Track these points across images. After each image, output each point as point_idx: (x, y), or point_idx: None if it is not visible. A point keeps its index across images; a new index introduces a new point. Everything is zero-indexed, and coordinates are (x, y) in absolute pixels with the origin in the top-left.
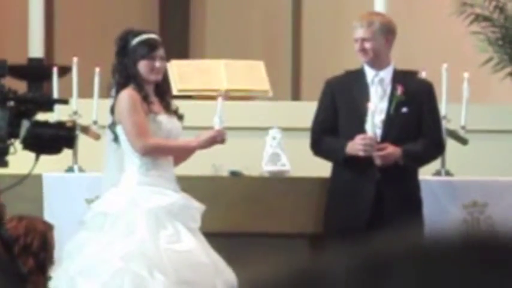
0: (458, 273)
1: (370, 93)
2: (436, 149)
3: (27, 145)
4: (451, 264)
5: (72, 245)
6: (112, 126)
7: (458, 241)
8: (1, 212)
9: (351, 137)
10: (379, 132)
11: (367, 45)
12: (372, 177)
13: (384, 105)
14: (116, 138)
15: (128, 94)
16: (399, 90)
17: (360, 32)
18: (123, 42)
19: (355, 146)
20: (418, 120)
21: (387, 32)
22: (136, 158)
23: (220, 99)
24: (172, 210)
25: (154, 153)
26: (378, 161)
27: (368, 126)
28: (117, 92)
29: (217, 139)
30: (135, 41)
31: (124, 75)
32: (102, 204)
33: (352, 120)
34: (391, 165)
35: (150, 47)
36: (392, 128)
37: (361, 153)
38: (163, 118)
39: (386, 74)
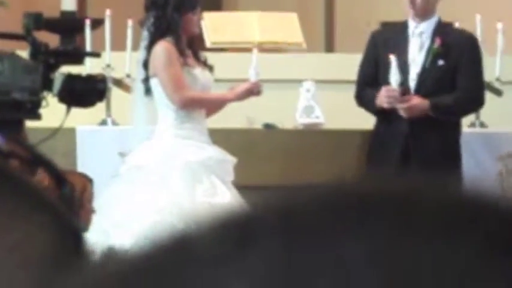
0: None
1: (409, 45)
2: (470, 102)
3: (62, 98)
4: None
5: (107, 198)
6: (145, 80)
7: (332, 200)
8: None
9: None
10: (413, 84)
11: None
12: (400, 130)
13: (421, 57)
14: (148, 92)
15: (165, 47)
16: (437, 42)
17: None
18: None
19: (380, 98)
20: (454, 74)
21: None
22: (171, 111)
23: (255, 52)
24: (208, 164)
25: (192, 106)
26: (403, 113)
27: (392, 79)
28: (151, 44)
29: (253, 91)
30: None
31: (164, 27)
32: (138, 158)
33: (387, 72)
34: (422, 118)
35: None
36: (427, 81)
37: (385, 105)
38: (198, 71)
39: (428, 26)
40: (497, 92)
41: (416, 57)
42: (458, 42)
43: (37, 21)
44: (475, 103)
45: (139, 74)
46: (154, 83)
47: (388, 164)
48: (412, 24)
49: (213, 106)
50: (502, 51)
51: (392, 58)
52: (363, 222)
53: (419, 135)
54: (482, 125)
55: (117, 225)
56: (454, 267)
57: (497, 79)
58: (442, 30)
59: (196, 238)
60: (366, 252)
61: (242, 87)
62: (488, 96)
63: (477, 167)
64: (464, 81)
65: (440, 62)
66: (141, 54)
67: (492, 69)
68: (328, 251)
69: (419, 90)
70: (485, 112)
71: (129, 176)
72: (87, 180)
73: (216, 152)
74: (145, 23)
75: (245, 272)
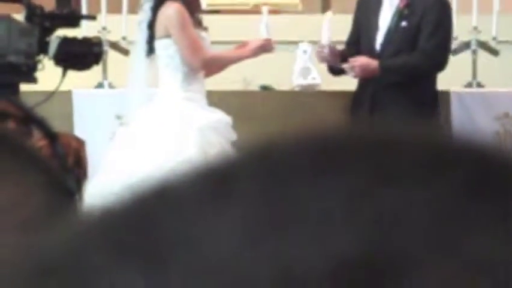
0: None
1: (382, 7)
2: (426, 62)
3: (58, 61)
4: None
5: (105, 162)
6: (149, 40)
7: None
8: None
9: (360, 51)
10: (378, 46)
11: None
12: (367, 91)
13: (388, 19)
14: (150, 52)
15: (178, 9)
16: (402, 3)
17: None
18: None
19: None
20: (417, 35)
21: None
22: (178, 73)
23: (265, 9)
24: (218, 127)
25: (212, 66)
26: (350, 73)
27: (323, 36)
28: (158, 5)
29: (266, 48)
30: None
31: None
32: (143, 121)
33: (362, 35)
34: (390, 80)
35: None
36: (390, 43)
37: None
38: (203, 33)
39: None
40: (494, 52)
41: (385, 19)
42: (425, 3)
43: None
44: (431, 65)
45: (141, 35)
46: (162, 44)
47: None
48: None
49: (231, 64)
50: (499, 10)
51: (327, 15)
52: (343, 163)
53: (385, 98)
54: (478, 84)
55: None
56: (435, 209)
57: (494, 38)
58: None
59: (175, 184)
60: (345, 192)
61: (256, 43)
62: (485, 56)
63: (473, 127)
64: (422, 42)
65: (404, 24)
66: (144, 15)
67: (489, 28)
68: (308, 191)
69: (383, 52)
70: (481, 72)
71: (132, 138)
72: (80, 143)
73: (223, 115)
74: None
75: (225, 214)
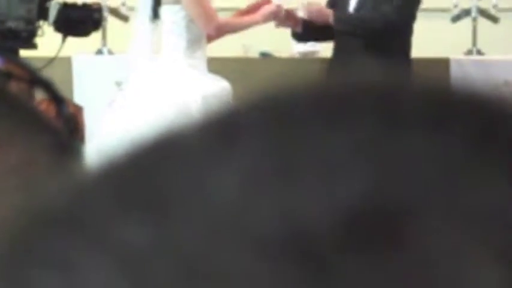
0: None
1: None
2: (378, 19)
3: (58, 27)
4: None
5: (105, 127)
6: (155, 5)
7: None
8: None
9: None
10: (352, 11)
11: None
12: (339, 57)
13: None
14: (155, 17)
15: None
16: None
17: None
18: None
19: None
20: None
21: None
22: (183, 39)
23: None
24: (221, 95)
25: (226, 32)
26: (303, 13)
27: None
28: None
29: (278, 14)
30: None
31: None
32: (148, 87)
33: (336, 4)
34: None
35: None
36: (362, 8)
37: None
38: None
39: None
40: (494, 19)
41: None
42: None
43: None
44: (382, 22)
45: (145, 0)
46: (170, 10)
47: None
48: None
49: (244, 29)
50: None
51: None
52: (349, 114)
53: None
54: (478, 52)
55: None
56: (446, 160)
57: (494, 6)
58: None
59: (178, 134)
60: (353, 143)
61: (268, 9)
62: (485, 23)
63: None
64: (383, 4)
65: None
66: None
67: None
68: (316, 141)
69: None
70: (481, 39)
71: (132, 103)
72: (77, 108)
73: (225, 82)
74: None
75: (231, 163)
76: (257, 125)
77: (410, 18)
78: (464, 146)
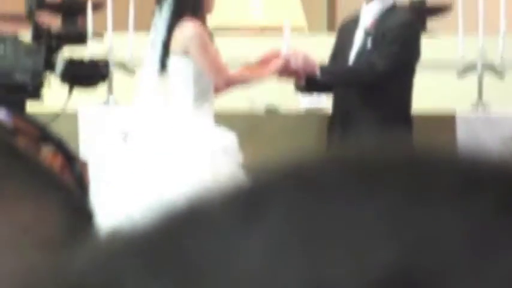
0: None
1: (358, 29)
2: (364, 68)
3: (65, 79)
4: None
5: (112, 180)
6: (163, 57)
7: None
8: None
9: None
10: None
11: None
12: (338, 112)
13: (359, 40)
14: (162, 70)
15: (197, 28)
16: (369, 24)
17: None
18: None
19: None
20: None
21: None
22: (191, 91)
23: (287, 26)
24: (228, 150)
25: (235, 84)
26: (292, 61)
27: (282, 48)
28: (174, 23)
29: (287, 70)
30: None
31: (189, 6)
32: (156, 140)
33: (338, 55)
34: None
35: None
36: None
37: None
38: None
39: (374, 8)
40: (500, 74)
41: (359, 40)
42: (390, 24)
43: (40, 2)
44: (368, 72)
45: (153, 52)
46: (178, 62)
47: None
48: (363, 7)
49: (252, 83)
50: (505, 32)
51: (285, 24)
52: (377, 183)
53: (356, 117)
54: (484, 107)
55: (124, 207)
56: (470, 229)
57: (500, 60)
58: (386, 13)
59: (205, 204)
60: (380, 211)
61: (278, 64)
62: (491, 77)
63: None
64: (372, 56)
65: (369, 44)
66: (158, 33)
67: (495, 50)
68: (342, 211)
69: None
70: (487, 94)
71: (140, 158)
72: (83, 164)
73: (233, 136)
74: (163, 1)
75: (258, 234)
76: (283, 194)
77: (403, 68)
78: (490, 216)
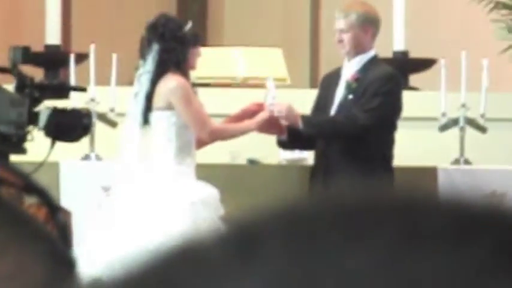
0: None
1: (339, 83)
2: (346, 121)
3: (48, 132)
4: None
5: (92, 231)
6: (145, 111)
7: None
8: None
9: None
10: None
11: (344, 36)
12: (321, 164)
13: (340, 94)
14: (145, 123)
15: (182, 82)
16: (351, 77)
17: (338, 23)
18: (163, 28)
19: None
20: None
21: (366, 22)
22: (173, 145)
23: (270, 79)
24: (208, 202)
25: (220, 137)
26: (276, 111)
27: (267, 99)
28: (157, 77)
29: (272, 124)
30: (187, 28)
31: (172, 60)
32: (137, 193)
33: (320, 108)
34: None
35: (198, 35)
36: (338, 115)
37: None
38: None
39: (356, 62)
40: (482, 129)
41: (340, 92)
42: (372, 77)
43: (24, 55)
44: (351, 126)
45: (136, 106)
46: (161, 116)
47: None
48: (345, 62)
49: (238, 136)
50: (487, 88)
51: (268, 82)
52: (368, 227)
53: (338, 169)
54: (466, 162)
55: (103, 257)
56: (464, 277)
57: (482, 116)
58: (368, 66)
59: (197, 246)
60: (370, 263)
61: (263, 116)
62: (473, 133)
63: None
64: (354, 108)
65: (350, 96)
66: (141, 86)
67: (477, 106)
68: (334, 254)
69: None
70: (469, 149)
71: (121, 210)
72: (66, 214)
73: (213, 189)
74: (147, 56)
75: (252, 274)
76: (276, 237)
77: (384, 123)
78: (486, 261)
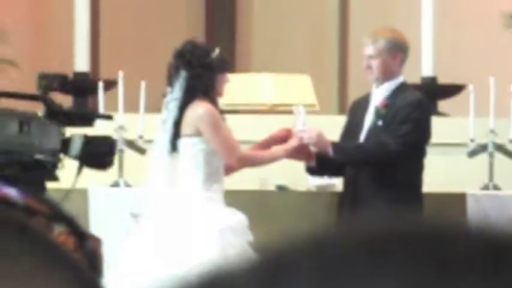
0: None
1: (368, 108)
2: (376, 148)
3: (81, 160)
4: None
5: (122, 258)
6: (173, 138)
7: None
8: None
9: None
10: None
11: (373, 62)
12: (349, 190)
13: (369, 119)
14: (173, 150)
15: (210, 108)
16: (380, 104)
17: (367, 49)
18: (190, 55)
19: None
20: None
21: (394, 48)
22: (201, 172)
23: (301, 107)
24: (237, 229)
25: (249, 164)
26: (305, 138)
27: (297, 124)
28: (185, 104)
29: (301, 151)
30: (215, 54)
31: (201, 87)
32: (166, 220)
33: (349, 134)
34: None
35: (226, 61)
36: (368, 141)
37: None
38: None
39: (385, 89)
40: (511, 155)
41: (368, 119)
42: (401, 103)
43: (53, 82)
44: (381, 152)
45: (164, 133)
46: (189, 142)
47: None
48: (374, 88)
49: (267, 163)
50: None
51: (296, 108)
52: (396, 256)
53: (366, 196)
54: (495, 187)
55: (133, 284)
56: None
57: (511, 141)
58: (397, 92)
59: (229, 275)
60: (401, 286)
61: (292, 144)
62: (502, 158)
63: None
64: (383, 135)
65: (380, 123)
66: (169, 113)
67: (505, 131)
68: (362, 284)
69: None
70: (498, 174)
71: (151, 238)
72: (97, 241)
73: (241, 215)
74: (175, 83)
75: None
76: (305, 266)
77: (414, 149)
78: None
